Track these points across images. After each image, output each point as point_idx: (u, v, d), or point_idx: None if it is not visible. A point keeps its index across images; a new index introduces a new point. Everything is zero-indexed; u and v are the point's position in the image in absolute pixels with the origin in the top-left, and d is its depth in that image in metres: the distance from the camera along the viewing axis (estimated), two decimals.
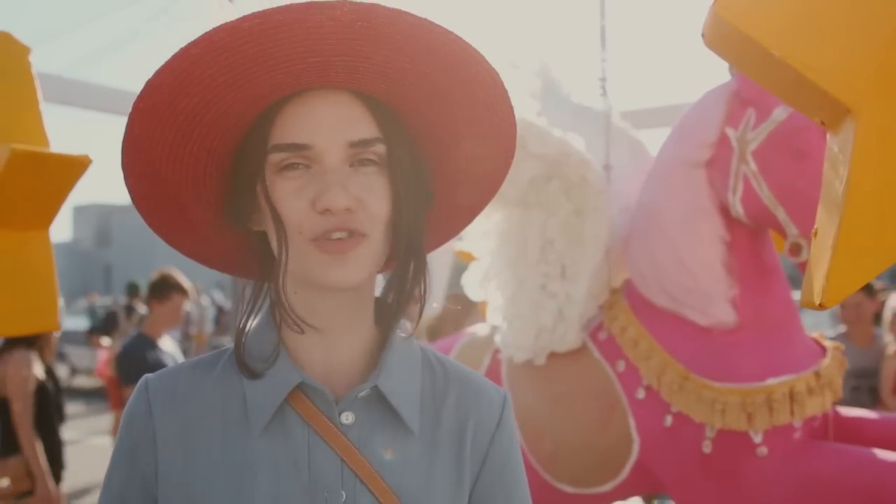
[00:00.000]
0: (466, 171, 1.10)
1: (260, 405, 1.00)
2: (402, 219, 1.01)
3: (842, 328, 4.80)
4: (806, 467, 2.39)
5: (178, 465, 1.00)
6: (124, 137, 0.96)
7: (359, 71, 0.95)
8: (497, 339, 3.02)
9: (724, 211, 2.63)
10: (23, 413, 4.17)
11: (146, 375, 1.07)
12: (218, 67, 0.90)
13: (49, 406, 4.34)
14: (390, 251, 1.03)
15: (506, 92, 1.03)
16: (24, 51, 2.05)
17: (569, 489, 2.81)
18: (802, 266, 2.49)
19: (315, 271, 0.97)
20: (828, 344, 2.66)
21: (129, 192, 1.02)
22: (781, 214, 2.48)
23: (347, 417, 1.01)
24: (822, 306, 1.12)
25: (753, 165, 2.51)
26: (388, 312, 1.09)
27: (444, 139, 1.07)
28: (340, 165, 0.96)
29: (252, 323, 1.06)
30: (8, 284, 2.02)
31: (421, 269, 1.06)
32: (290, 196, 0.96)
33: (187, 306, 4.82)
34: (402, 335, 1.09)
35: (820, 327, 7.28)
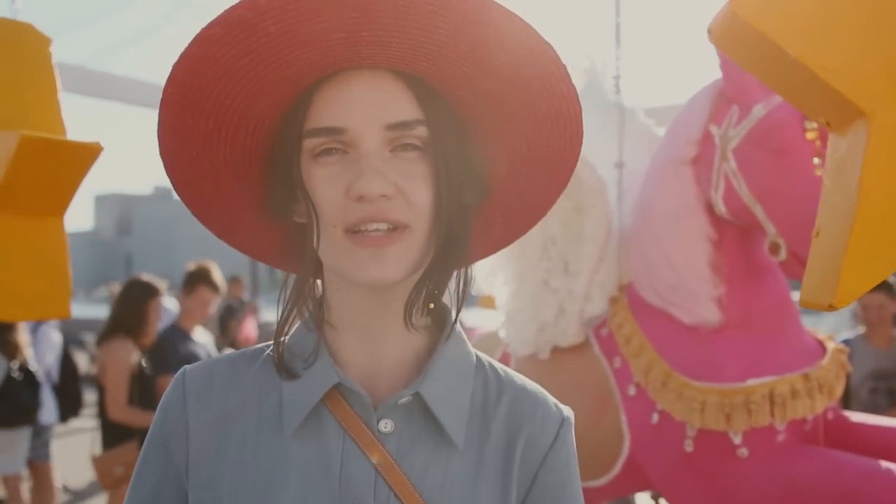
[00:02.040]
0: (528, 157, 0.99)
1: (295, 404, 0.94)
2: (443, 209, 0.91)
3: (861, 329, 4.75)
4: (786, 471, 2.35)
5: (208, 459, 0.95)
6: (158, 127, 0.92)
7: (392, 47, 0.86)
8: (502, 333, 3.02)
9: (711, 209, 2.60)
10: (115, 399, 4.28)
11: (185, 366, 1.02)
12: (240, 47, 0.85)
13: (147, 392, 4.40)
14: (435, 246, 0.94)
15: (564, 69, 0.91)
16: (46, 41, 2.06)
17: None
18: (783, 266, 2.47)
19: (350, 267, 0.89)
20: (830, 345, 2.61)
21: (171, 183, 0.98)
22: (760, 212, 2.45)
23: (386, 425, 0.93)
24: (832, 307, 1.10)
25: (733, 163, 2.48)
26: (431, 311, 0.99)
27: (500, 122, 0.96)
28: (379, 150, 0.88)
29: (295, 320, 1.00)
30: (21, 270, 2.02)
31: (460, 264, 0.97)
32: (324, 184, 0.89)
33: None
34: (457, 340, 1.01)
35: (840, 328, 7.22)
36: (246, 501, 0.92)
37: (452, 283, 0.99)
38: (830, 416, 2.59)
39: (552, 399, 1.05)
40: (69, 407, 5.39)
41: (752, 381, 2.40)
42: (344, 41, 0.85)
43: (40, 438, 5.14)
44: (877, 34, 1.10)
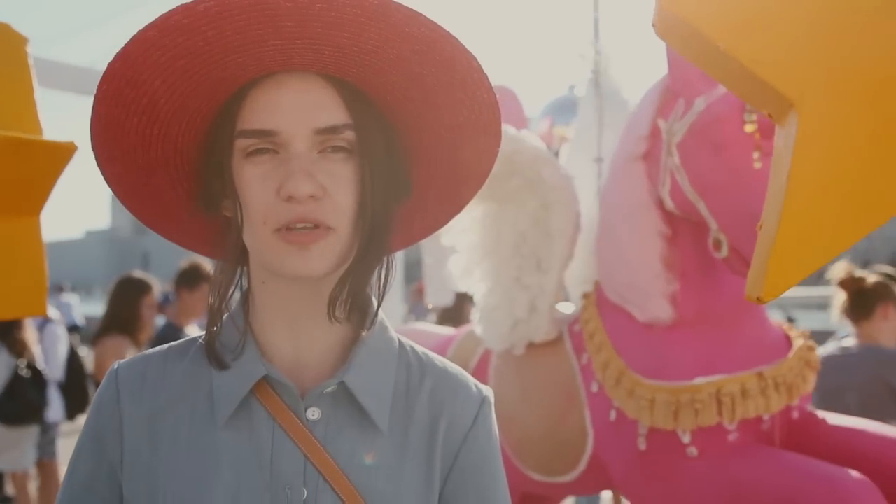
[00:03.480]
0: (449, 160, 1.06)
1: (225, 396, 0.98)
2: (367, 209, 0.96)
3: None
4: (730, 471, 2.30)
5: (143, 454, 0.99)
6: (91, 119, 0.95)
7: (324, 54, 0.91)
8: (478, 330, 3.04)
9: (663, 204, 2.57)
10: None
11: (117, 361, 1.07)
12: (176, 50, 0.88)
13: None
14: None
15: (485, 76, 0.97)
16: (22, 41, 2.07)
17: (536, 476, 2.81)
18: (726, 262, 2.43)
19: (277, 261, 0.94)
20: (798, 342, 2.53)
21: (103, 174, 1.01)
22: (703, 208, 2.41)
23: (314, 413, 0.98)
24: (760, 300, 1.10)
25: (676, 158, 2.45)
26: (355, 303, 1.03)
27: (424, 127, 1.02)
28: (307, 152, 0.93)
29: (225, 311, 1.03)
30: None
31: (381, 257, 1.02)
32: (255, 183, 0.93)
33: None
34: (379, 328, 1.06)
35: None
36: (180, 492, 0.96)
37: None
38: (796, 415, 2.51)
39: (472, 380, 1.10)
40: (76, 404, 5.44)
41: (699, 380, 2.36)
42: (279, 48, 0.90)
43: (47, 436, 5.20)
44: (808, 27, 1.11)
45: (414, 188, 1.06)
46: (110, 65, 0.90)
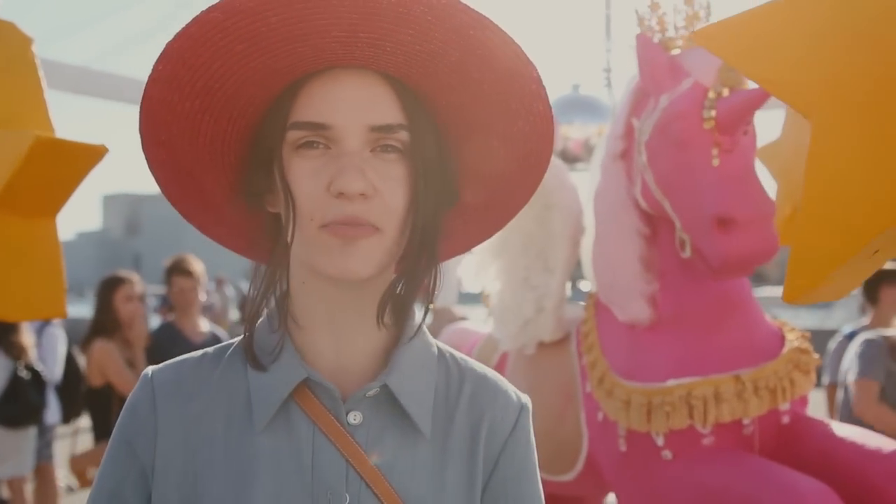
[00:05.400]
0: (497, 170, 1.03)
1: (263, 400, 0.96)
2: (419, 212, 0.95)
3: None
4: (698, 476, 2.27)
5: (178, 460, 0.97)
6: (142, 101, 0.93)
7: (386, 50, 0.90)
8: (491, 329, 3.05)
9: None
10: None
11: (150, 367, 1.04)
12: (238, 34, 0.87)
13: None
14: (406, 247, 0.97)
15: (543, 88, 0.95)
16: (28, 40, 2.06)
17: (541, 474, 2.83)
18: (692, 262, 2.41)
19: (320, 259, 0.92)
20: (791, 344, 2.47)
21: (146, 158, 1.00)
22: (668, 207, 2.40)
23: (355, 417, 0.96)
24: (791, 302, 1.15)
25: (644, 157, 2.45)
26: (401, 309, 1.03)
27: (475, 134, 1.00)
28: (360, 149, 0.91)
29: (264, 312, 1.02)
30: (18, 271, 2.04)
31: (432, 265, 1.00)
32: (305, 177, 0.92)
33: (206, 294, 4.84)
34: (418, 333, 1.04)
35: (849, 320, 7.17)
36: (220, 498, 0.94)
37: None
38: (787, 420, 2.44)
39: (511, 387, 1.09)
40: (72, 407, 5.38)
41: (671, 382, 2.34)
42: (341, 40, 0.89)
43: (43, 439, 5.15)
44: (811, 50, 1.25)
45: (462, 197, 1.05)
46: (169, 44, 0.88)
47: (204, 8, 0.87)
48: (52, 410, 5.12)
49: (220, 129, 0.97)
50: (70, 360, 5.49)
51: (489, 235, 1.15)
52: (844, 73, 1.21)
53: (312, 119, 0.91)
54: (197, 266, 4.67)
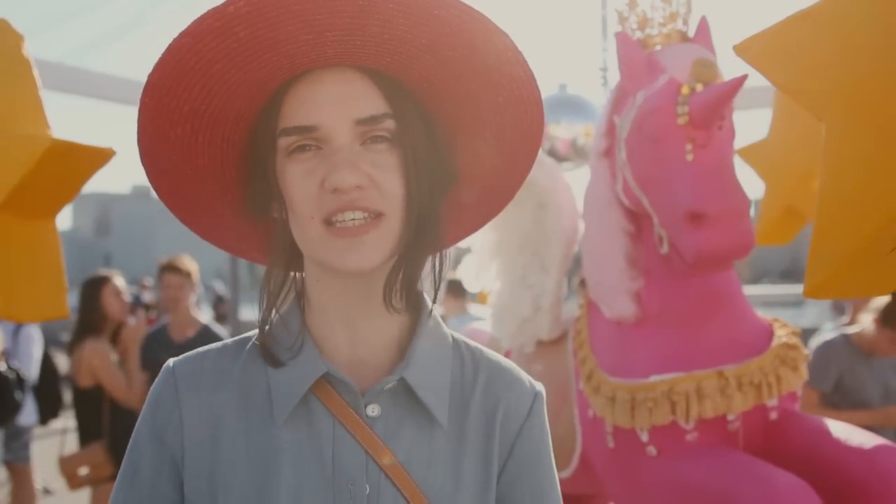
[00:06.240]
0: (493, 143, 1.05)
1: (283, 395, 0.98)
2: (414, 196, 0.96)
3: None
4: (679, 472, 2.29)
5: (204, 451, 0.99)
6: (137, 134, 0.95)
7: (355, 45, 0.92)
8: (490, 328, 3.06)
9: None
10: (123, 388, 4.24)
11: (171, 360, 1.06)
12: (211, 54, 0.89)
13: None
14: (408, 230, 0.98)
15: (520, 54, 0.96)
16: (20, 38, 2.05)
17: None
18: (669, 259, 2.43)
19: (330, 257, 0.94)
20: (780, 340, 2.46)
21: (154, 188, 1.02)
22: (646, 203, 2.42)
23: (373, 410, 0.99)
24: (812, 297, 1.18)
25: (623, 153, 2.47)
26: (407, 292, 1.04)
27: (463, 111, 1.02)
28: (350, 144, 0.93)
29: (277, 311, 1.04)
30: (23, 272, 2.04)
31: (432, 248, 1.02)
32: (300, 179, 0.94)
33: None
34: (433, 323, 1.06)
35: (822, 320, 7.26)
36: (243, 492, 0.95)
37: (428, 269, 1.04)
38: (774, 416, 2.45)
39: (525, 375, 1.11)
40: (49, 408, 5.32)
41: (654, 378, 2.35)
42: (310, 43, 0.91)
43: (20, 440, 5.08)
44: (830, 61, 1.37)
45: (461, 175, 1.06)
46: (149, 76, 0.91)
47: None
48: (28, 411, 5.04)
49: (216, 148, 1.00)
50: (46, 361, 5.41)
51: (497, 212, 1.16)
52: (859, 81, 1.29)
53: (299, 123, 0.94)
54: (188, 265, 4.65)
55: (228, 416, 0.99)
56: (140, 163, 0.99)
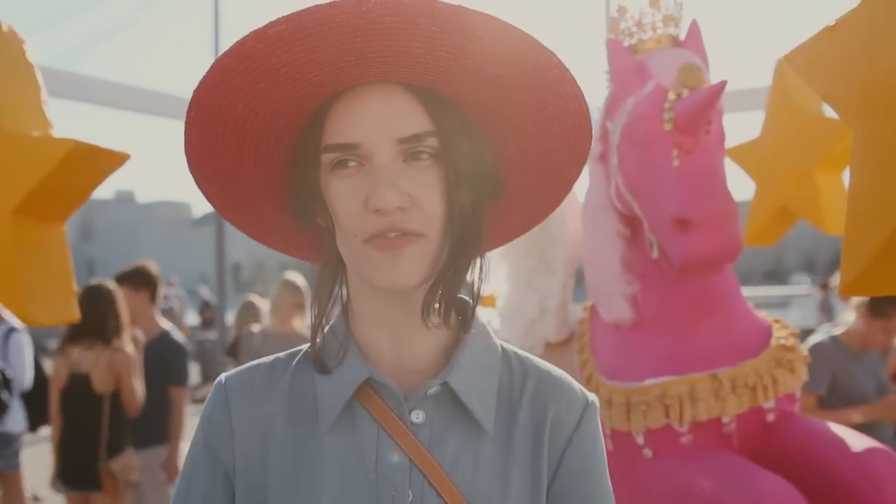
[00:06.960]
0: (540, 157, 1.04)
1: (328, 401, 0.99)
2: (456, 215, 0.96)
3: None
4: (673, 474, 2.30)
5: (255, 461, 1.00)
6: (184, 144, 0.96)
7: (398, 64, 0.91)
8: (498, 329, 3.06)
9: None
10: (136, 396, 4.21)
11: (223, 374, 1.08)
12: (254, 75, 0.90)
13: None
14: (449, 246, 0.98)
15: (566, 70, 0.95)
16: (22, 42, 2.06)
17: None
18: (660, 263, 2.45)
19: (370, 272, 0.94)
20: (779, 342, 2.46)
21: (203, 194, 1.03)
22: (637, 209, 2.44)
23: (418, 416, 0.98)
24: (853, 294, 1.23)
25: (615, 159, 2.49)
26: (448, 307, 1.02)
27: (509, 126, 1.01)
28: (392, 162, 0.92)
29: (327, 320, 1.05)
30: (37, 274, 2.04)
31: (470, 264, 1.00)
32: (344, 196, 0.94)
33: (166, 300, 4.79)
34: (481, 332, 1.05)
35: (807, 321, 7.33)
36: (288, 497, 0.96)
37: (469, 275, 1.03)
38: (772, 418, 2.45)
39: (577, 384, 1.08)
40: (39, 415, 5.27)
41: (648, 381, 2.36)
42: (353, 63, 0.90)
43: (10, 448, 5.03)
44: (858, 67, 1.45)
45: (507, 188, 1.06)
46: (195, 93, 0.91)
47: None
48: (18, 418, 5.01)
49: (263, 159, 1.01)
50: (36, 368, 5.37)
51: (542, 219, 1.15)
52: (887, 82, 1.36)
53: (341, 140, 0.93)
54: (144, 274, 4.61)
55: (278, 426, 1.01)
56: (189, 172, 1.01)
